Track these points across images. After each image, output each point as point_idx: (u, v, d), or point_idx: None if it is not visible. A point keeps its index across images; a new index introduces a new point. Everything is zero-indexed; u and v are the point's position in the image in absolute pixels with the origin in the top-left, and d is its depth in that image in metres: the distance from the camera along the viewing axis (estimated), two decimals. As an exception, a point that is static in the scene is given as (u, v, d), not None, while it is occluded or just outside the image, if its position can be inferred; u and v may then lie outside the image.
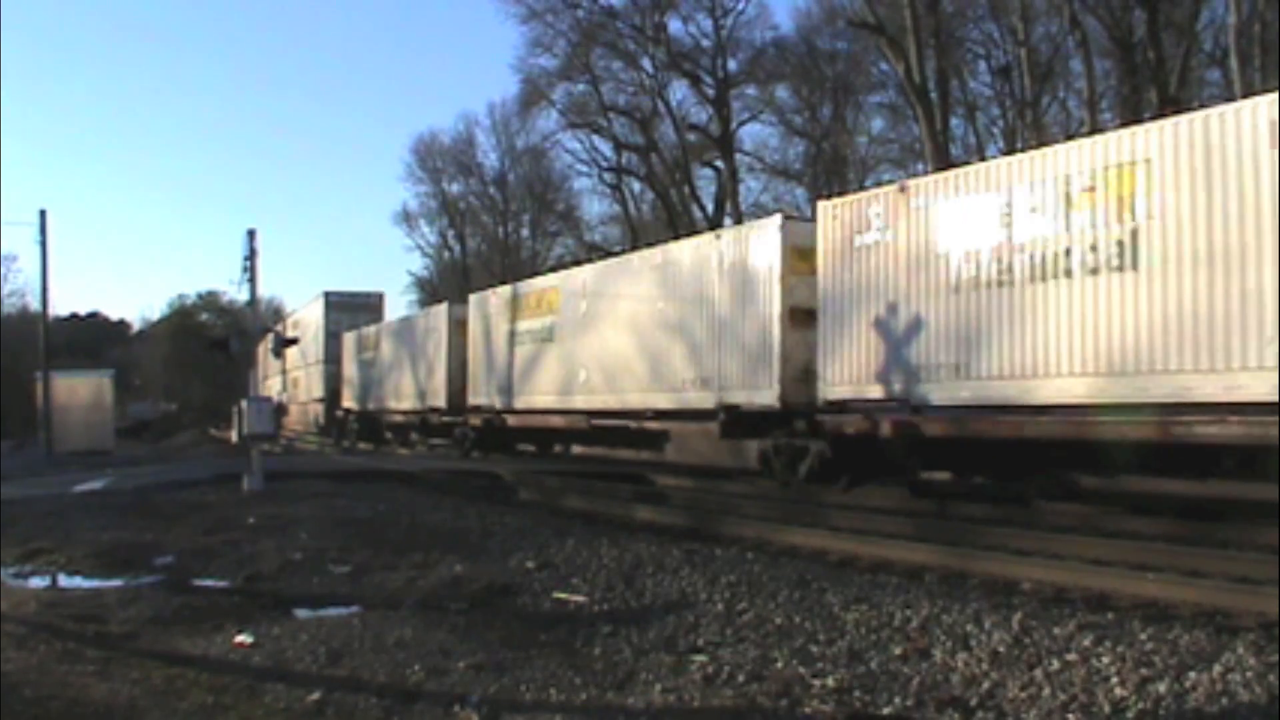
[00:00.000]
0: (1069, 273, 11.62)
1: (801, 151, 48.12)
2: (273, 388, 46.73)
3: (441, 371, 27.25)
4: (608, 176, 52.62)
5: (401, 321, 33.36)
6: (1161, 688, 5.05)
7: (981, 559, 9.19)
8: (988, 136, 40.22)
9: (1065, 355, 11.66)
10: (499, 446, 24.68)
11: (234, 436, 18.75)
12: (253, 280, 18.16)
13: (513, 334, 23.55)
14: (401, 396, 30.52)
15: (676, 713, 5.26)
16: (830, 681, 5.47)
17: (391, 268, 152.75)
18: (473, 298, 26.48)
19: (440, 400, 27.23)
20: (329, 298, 40.56)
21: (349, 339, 36.32)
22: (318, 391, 40.32)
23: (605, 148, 51.93)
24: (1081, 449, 11.65)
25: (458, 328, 26.71)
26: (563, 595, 7.91)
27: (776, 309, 15.28)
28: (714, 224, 42.75)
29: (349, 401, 35.74)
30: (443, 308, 28.43)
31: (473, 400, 25.21)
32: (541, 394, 22.22)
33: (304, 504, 14.02)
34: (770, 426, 15.39)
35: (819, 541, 10.63)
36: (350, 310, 39.91)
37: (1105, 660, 5.47)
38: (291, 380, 46.28)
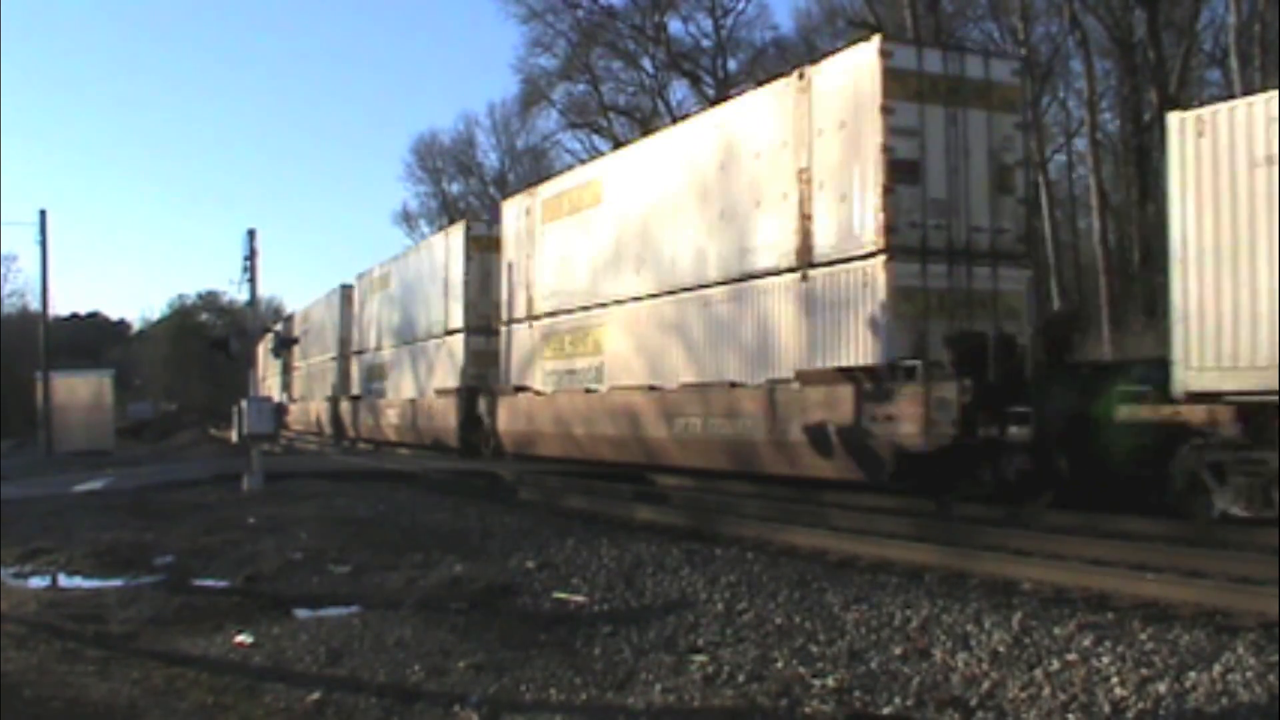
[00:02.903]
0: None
1: (802, 151, 48.03)
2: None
3: None
4: (608, 177, 52.43)
5: None
6: (1161, 688, 5.05)
7: (981, 559, 9.17)
8: (988, 136, 40.11)
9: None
10: None
11: (234, 436, 18.75)
12: (253, 280, 18.18)
13: None
14: None
15: (676, 713, 5.26)
16: (830, 681, 5.47)
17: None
18: None
19: None
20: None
21: None
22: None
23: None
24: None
25: None
26: (563, 595, 7.91)
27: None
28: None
29: None
30: None
31: None
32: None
33: (304, 504, 14.03)
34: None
35: (819, 541, 10.62)
36: None
37: (1105, 660, 5.47)
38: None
